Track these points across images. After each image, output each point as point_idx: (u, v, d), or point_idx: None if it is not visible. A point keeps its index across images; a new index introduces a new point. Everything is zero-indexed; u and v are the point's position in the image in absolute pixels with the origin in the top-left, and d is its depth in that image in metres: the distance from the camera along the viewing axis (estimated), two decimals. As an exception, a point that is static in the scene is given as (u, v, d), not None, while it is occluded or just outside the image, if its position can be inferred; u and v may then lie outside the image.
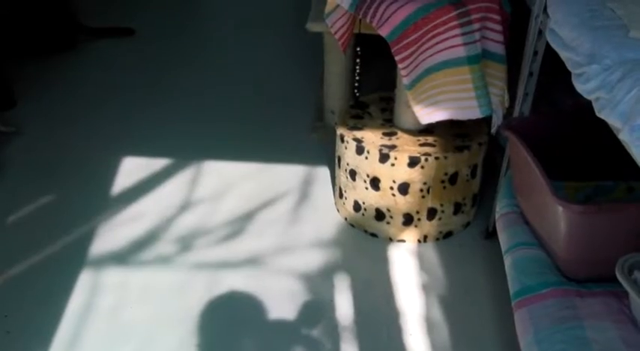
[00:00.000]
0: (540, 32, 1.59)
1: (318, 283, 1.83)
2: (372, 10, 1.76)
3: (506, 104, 1.84)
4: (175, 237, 1.99)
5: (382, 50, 1.88)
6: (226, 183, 2.25)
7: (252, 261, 1.90)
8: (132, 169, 2.31)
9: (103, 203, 2.13)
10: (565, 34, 1.34)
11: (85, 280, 1.81)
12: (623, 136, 1.01)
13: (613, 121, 1.05)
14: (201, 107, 2.75)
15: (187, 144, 2.48)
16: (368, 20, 1.77)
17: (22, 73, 2.89)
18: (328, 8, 1.96)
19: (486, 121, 1.89)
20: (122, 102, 2.77)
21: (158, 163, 2.34)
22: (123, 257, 1.91)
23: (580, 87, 1.21)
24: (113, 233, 2.00)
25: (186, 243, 1.97)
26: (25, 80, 2.84)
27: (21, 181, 2.24)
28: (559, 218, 1.29)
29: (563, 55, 1.33)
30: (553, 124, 1.65)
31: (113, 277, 1.83)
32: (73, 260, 1.88)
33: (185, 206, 2.13)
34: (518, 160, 1.51)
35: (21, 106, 2.67)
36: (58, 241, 1.96)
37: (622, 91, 1.04)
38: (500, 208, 1.65)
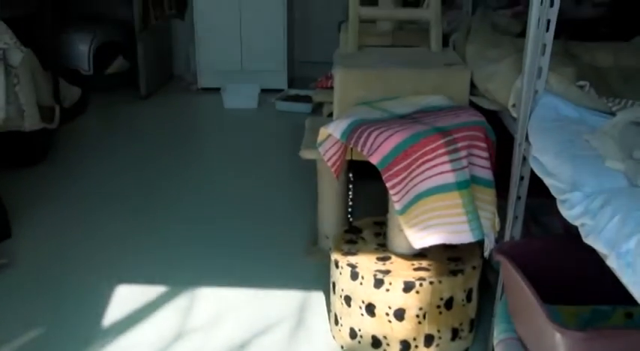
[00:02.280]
0: (525, 158, 1.66)
1: None
2: (362, 140, 1.83)
3: (497, 227, 1.86)
4: (167, 369, 1.93)
5: (374, 174, 1.94)
6: (221, 309, 2.22)
7: (247, 394, 1.84)
8: (125, 297, 2.28)
9: (95, 334, 2.09)
10: (547, 161, 1.39)
11: None
12: (611, 263, 1.02)
13: (599, 248, 1.07)
14: (196, 230, 2.77)
15: (182, 268, 2.47)
16: (359, 149, 1.84)
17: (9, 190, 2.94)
18: (320, 137, 2.05)
19: (479, 244, 1.91)
20: (117, 224, 2.79)
21: (152, 290, 2.31)
22: (112, 392, 1.84)
23: (565, 212, 1.24)
24: (103, 366, 1.94)
25: (178, 375, 1.90)
26: (13, 200, 2.88)
27: (10, 312, 2.21)
28: (557, 345, 1.27)
29: (547, 181, 1.38)
30: (545, 247, 1.66)
31: (101, 414, 1.76)
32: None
33: (179, 336, 2.08)
34: (512, 284, 1.51)
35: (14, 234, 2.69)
36: (45, 376, 1.89)
37: (605, 217, 1.07)
38: (498, 333, 1.62)
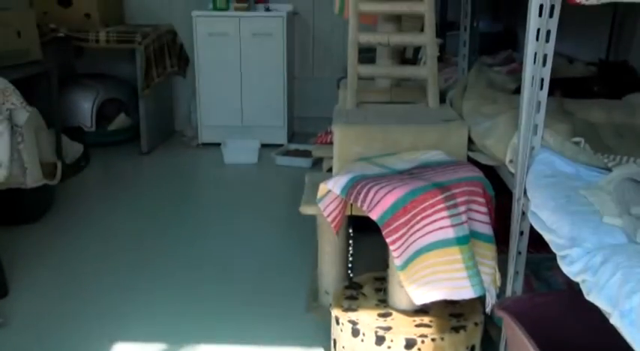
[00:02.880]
0: (524, 214, 1.67)
1: None
2: (362, 195, 1.84)
3: (498, 283, 1.85)
4: None
5: (374, 229, 1.94)
6: (220, 369, 2.18)
7: None
8: (123, 356, 2.25)
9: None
10: (545, 216, 1.40)
11: None
12: (614, 322, 1.01)
13: (602, 305, 1.07)
14: (194, 286, 2.75)
15: (181, 326, 2.43)
16: (359, 205, 1.85)
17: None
18: (320, 193, 2.06)
19: (481, 299, 1.89)
20: (116, 282, 2.77)
21: (151, 348, 2.28)
22: None
23: (566, 269, 1.25)
24: None
25: None
26: (11, 258, 2.87)
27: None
28: (563, 405, 1.25)
29: (546, 236, 1.38)
30: (547, 303, 1.65)
31: None
32: None
33: (176, 396, 2.04)
34: (515, 340, 1.49)
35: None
36: None
37: (606, 274, 1.07)
38: (503, 392, 1.59)
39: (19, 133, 2.58)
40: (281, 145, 4.79)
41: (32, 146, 2.73)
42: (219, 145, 4.74)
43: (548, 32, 1.52)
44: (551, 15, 1.50)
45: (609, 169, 1.46)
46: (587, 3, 1.25)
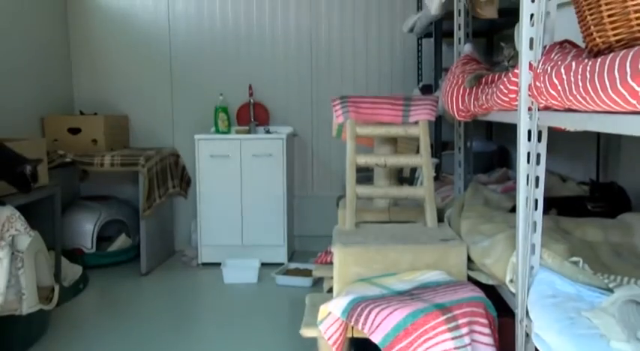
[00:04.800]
0: (527, 335, 1.63)
1: None
2: (362, 318, 1.82)
3: (508, 409, 1.78)
4: None
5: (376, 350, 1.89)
6: None
7: None
8: None
9: None
10: (550, 340, 1.38)
11: None
12: None
13: None
14: None
15: None
16: (360, 327, 1.82)
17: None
18: (321, 315, 2.03)
19: None
20: None
21: None
22: None
23: (575, 397, 1.20)
24: None
25: None
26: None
27: None
28: None
29: (553, 362, 1.35)
30: None
31: None
32: None
33: None
34: None
35: None
36: None
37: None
38: None
39: (20, 258, 2.59)
40: (281, 264, 4.77)
41: (31, 272, 2.72)
42: (219, 264, 4.72)
43: (539, 155, 1.57)
44: (539, 139, 1.56)
45: (610, 290, 1.45)
46: (571, 130, 1.31)
